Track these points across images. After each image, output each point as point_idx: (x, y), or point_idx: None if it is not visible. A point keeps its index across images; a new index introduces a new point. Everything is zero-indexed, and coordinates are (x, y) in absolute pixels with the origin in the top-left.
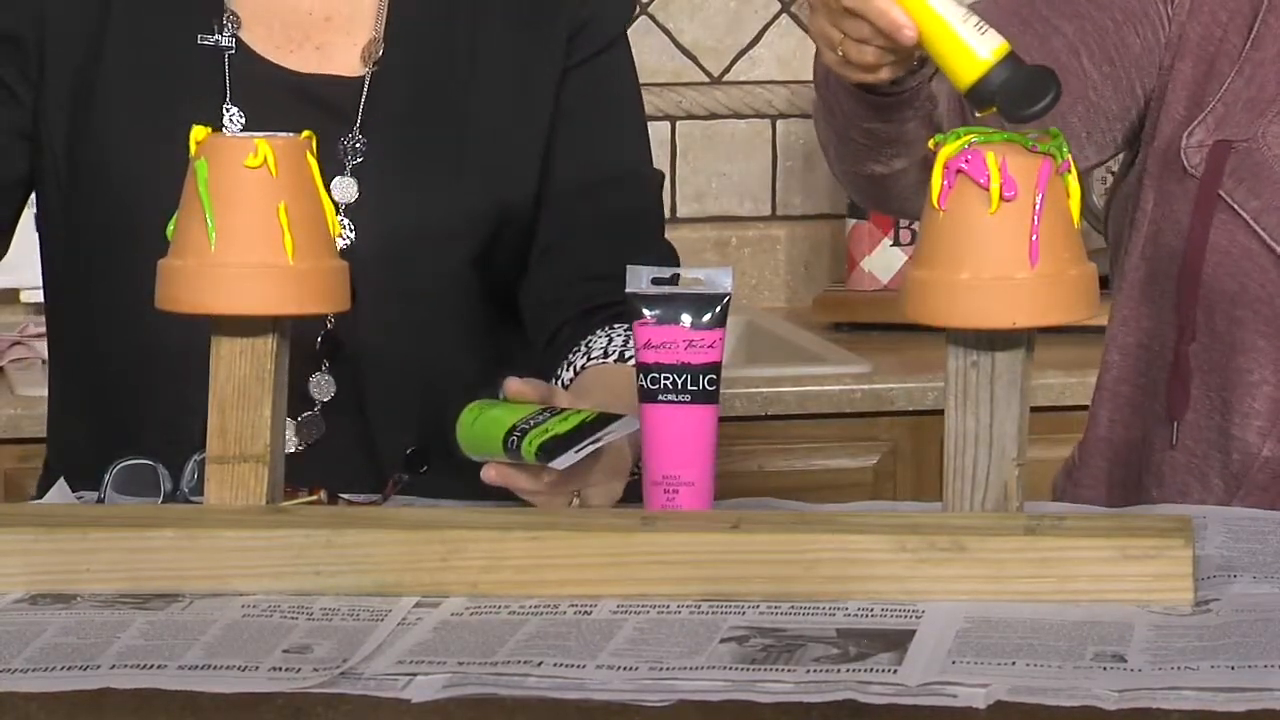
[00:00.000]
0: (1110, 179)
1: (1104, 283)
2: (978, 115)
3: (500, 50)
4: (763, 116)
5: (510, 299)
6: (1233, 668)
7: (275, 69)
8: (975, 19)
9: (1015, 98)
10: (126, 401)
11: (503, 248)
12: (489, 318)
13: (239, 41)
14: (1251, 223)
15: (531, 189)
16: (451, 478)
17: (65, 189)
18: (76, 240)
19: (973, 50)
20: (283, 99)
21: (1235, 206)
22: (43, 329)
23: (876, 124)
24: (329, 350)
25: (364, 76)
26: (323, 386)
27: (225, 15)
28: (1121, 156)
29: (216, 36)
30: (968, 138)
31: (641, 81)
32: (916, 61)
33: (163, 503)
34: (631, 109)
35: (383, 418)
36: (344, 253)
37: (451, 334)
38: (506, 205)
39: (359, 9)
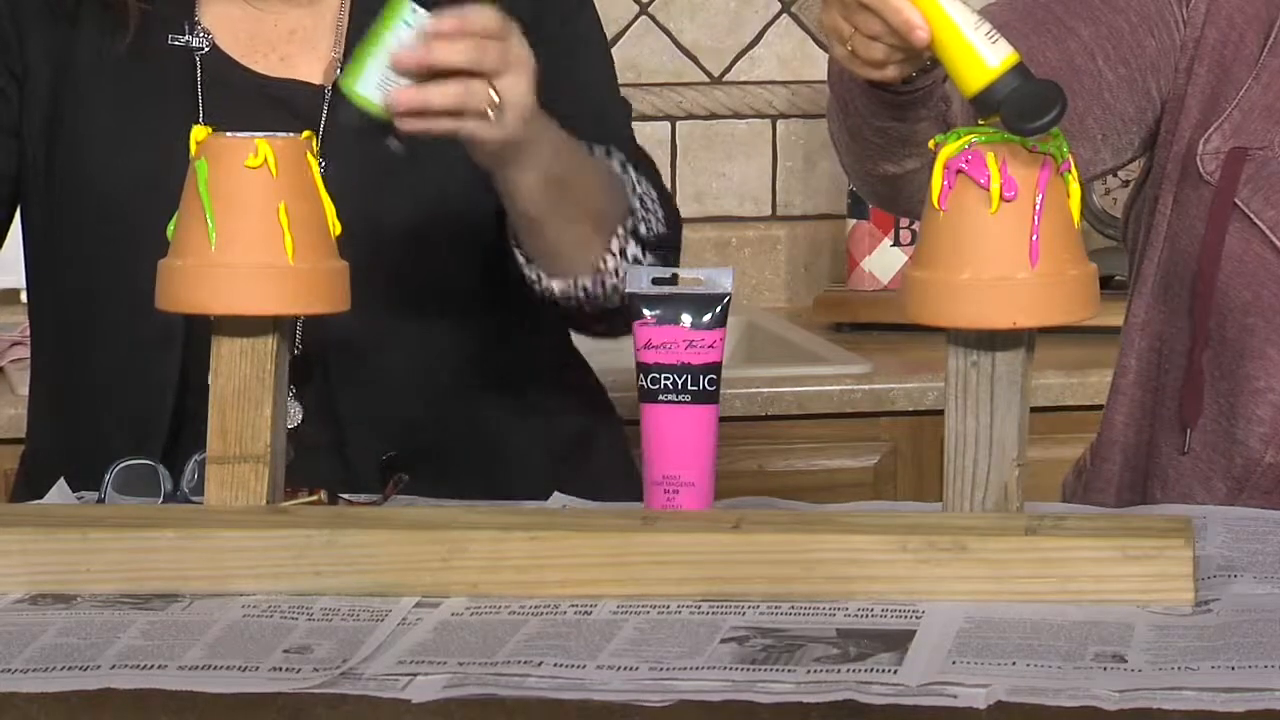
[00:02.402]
0: (1110, 179)
1: (1105, 283)
2: (981, 123)
3: None
4: (763, 117)
5: (482, 294)
6: (1233, 668)
7: (244, 71)
8: (987, 26)
9: (1019, 110)
10: (91, 400)
11: (470, 246)
12: (459, 318)
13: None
14: (1268, 232)
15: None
16: (435, 482)
17: (42, 185)
18: (49, 237)
19: (982, 58)
20: (250, 100)
21: (1251, 215)
22: None
23: (889, 123)
24: (298, 375)
25: (326, 88)
26: (290, 414)
27: (196, 28)
28: (1141, 161)
29: (188, 37)
30: (968, 138)
31: (641, 81)
32: (929, 62)
33: (163, 503)
34: (598, 69)
35: (355, 426)
36: None
37: (419, 338)
38: (471, 206)
39: (320, 24)
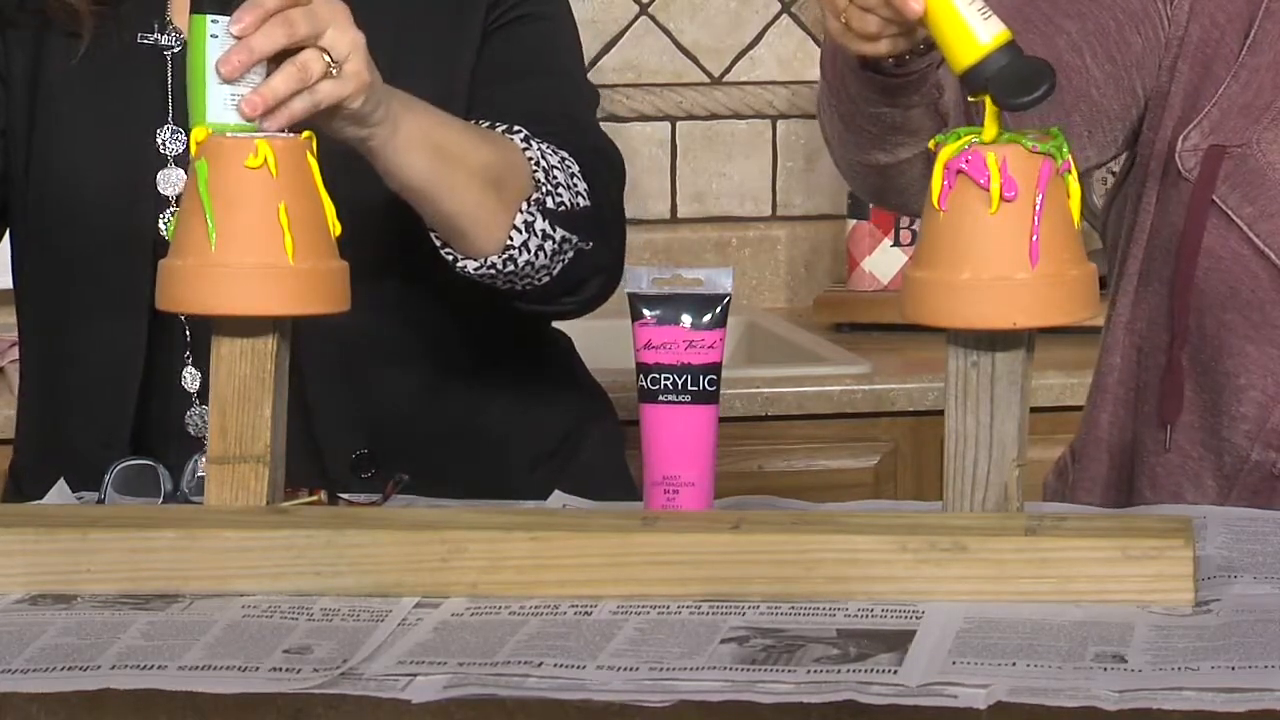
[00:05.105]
0: (1110, 179)
1: (1104, 283)
2: (970, 100)
3: (421, 49)
4: (763, 117)
5: (453, 287)
6: (1233, 668)
7: None
8: (981, 3)
9: (1009, 86)
10: (61, 400)
11: (430, 242)
12: (432, 310)
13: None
14: (1245, 229)
15: None
16: (415, 479)
17: (20, 184)
18: (26, 238)
19: (974, 33)
20: None
21: (1229, 212)
22: None
23: (882, 108)
24: None
25: None
26: None
27: (167, 27)
28: (1123, 157)
29: (157, 36)
30: (968, 138)
31: (641, 81)
32: (922, 45)
33: (163, 503)
34: (563, 49)
35: (326, 421)
36: None
37: (391, 332)
38: None
39: None
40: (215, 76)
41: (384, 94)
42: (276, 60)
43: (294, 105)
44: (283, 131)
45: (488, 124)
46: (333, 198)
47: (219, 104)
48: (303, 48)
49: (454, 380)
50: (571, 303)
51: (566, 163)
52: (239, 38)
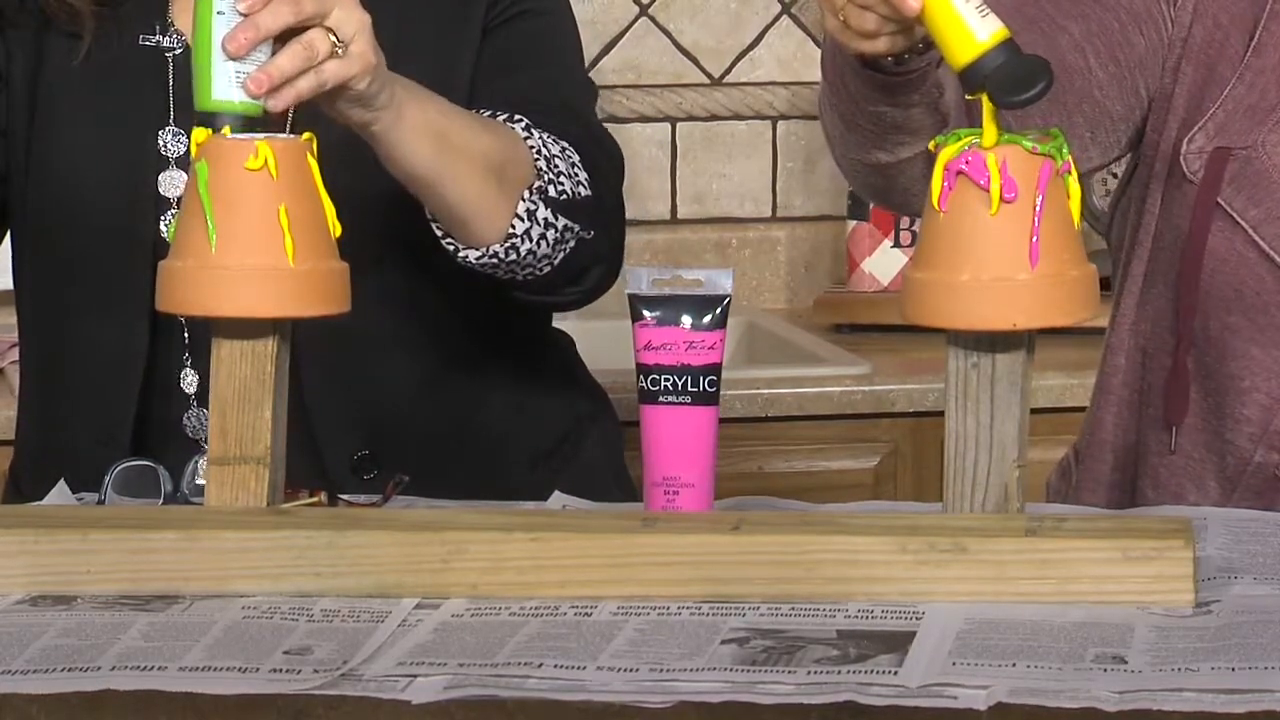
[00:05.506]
0: (1111, 180)
1: (1104, 284)
2: (968, 98)
3: (422, 42)
4: (763, 118)
5: (453, 284)
6: (1233, 669)
7: None
8: (979, 1)
9: (1006, 83)
10: (63, 403)
11: (430, 236)
12: (431, 309)
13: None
14: (1250, 231)
15: None
16: (418, 479)
17: (20, 184)
18: (25, 238)
19: (972, 31)
20: None
21: (1234, 215)
22: None
23: (882, 107)
24: None
25: None
26: None
27: (169, 29)
28: (1126, 160)
29: (158, 37)
30: (968, 139)
31: (641, 82)
32: (922, 43)
33: (163, 504)
34: (562, 44)
35: (324, 421)
36: None
37: (390, 331)
38: None
39: None
40: (221, 54)
41: (388, 79)
42: (282, 40)
43: (300, 84)
44: (288, 112)
45: (489, 113)
46: (332, 191)
47: (224, 81)
48: (309, 27)
49: (454, 378)
50: (573, 293)
51: (567, 152)
52: (246, 15)
